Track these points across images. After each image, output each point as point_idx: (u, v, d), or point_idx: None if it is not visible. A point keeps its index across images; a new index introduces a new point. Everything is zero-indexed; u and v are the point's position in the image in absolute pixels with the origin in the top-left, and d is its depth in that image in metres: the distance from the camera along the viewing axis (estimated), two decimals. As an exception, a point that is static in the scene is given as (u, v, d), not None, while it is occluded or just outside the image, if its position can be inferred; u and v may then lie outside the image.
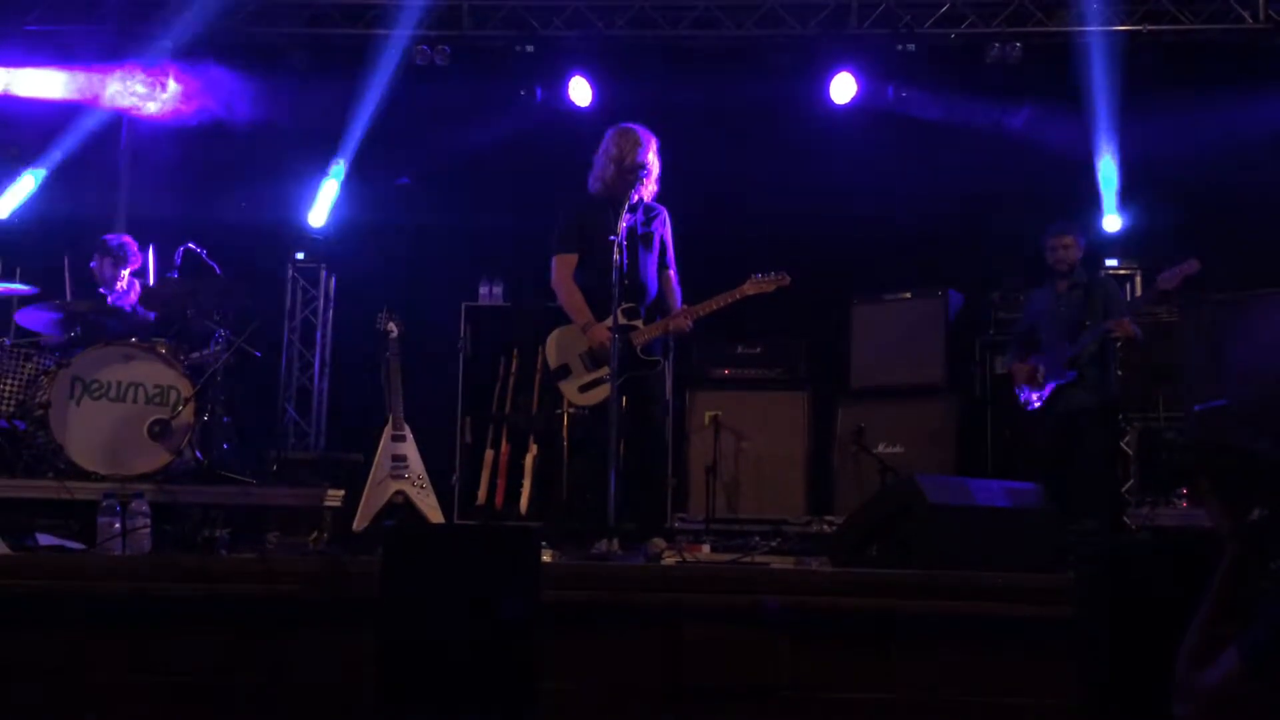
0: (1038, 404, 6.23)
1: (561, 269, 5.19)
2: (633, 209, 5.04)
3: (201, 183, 8.05)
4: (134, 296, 6.71)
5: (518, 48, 7.84)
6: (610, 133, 5.25)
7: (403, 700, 3.25)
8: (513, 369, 7.49)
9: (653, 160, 5.14)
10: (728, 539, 6.39)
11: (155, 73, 7.85)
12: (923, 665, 3.70)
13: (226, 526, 5.43)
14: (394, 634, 3.29)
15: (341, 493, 5.99)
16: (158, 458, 5.83)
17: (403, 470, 5.79)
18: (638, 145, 5.12)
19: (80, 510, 5.14)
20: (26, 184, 7.78)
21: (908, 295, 7.49)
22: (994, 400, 7.27)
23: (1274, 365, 6.01)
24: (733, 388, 7.43)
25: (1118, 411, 6.42)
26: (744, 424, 7.25)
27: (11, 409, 6.00)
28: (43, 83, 7.92)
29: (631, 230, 4.99)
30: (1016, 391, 6.42)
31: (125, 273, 6.65)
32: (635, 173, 5.05)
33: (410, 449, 5.87)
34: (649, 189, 5.18)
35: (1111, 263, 7.98)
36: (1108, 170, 7.79)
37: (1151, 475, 6.50)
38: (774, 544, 5.75)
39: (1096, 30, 7.61)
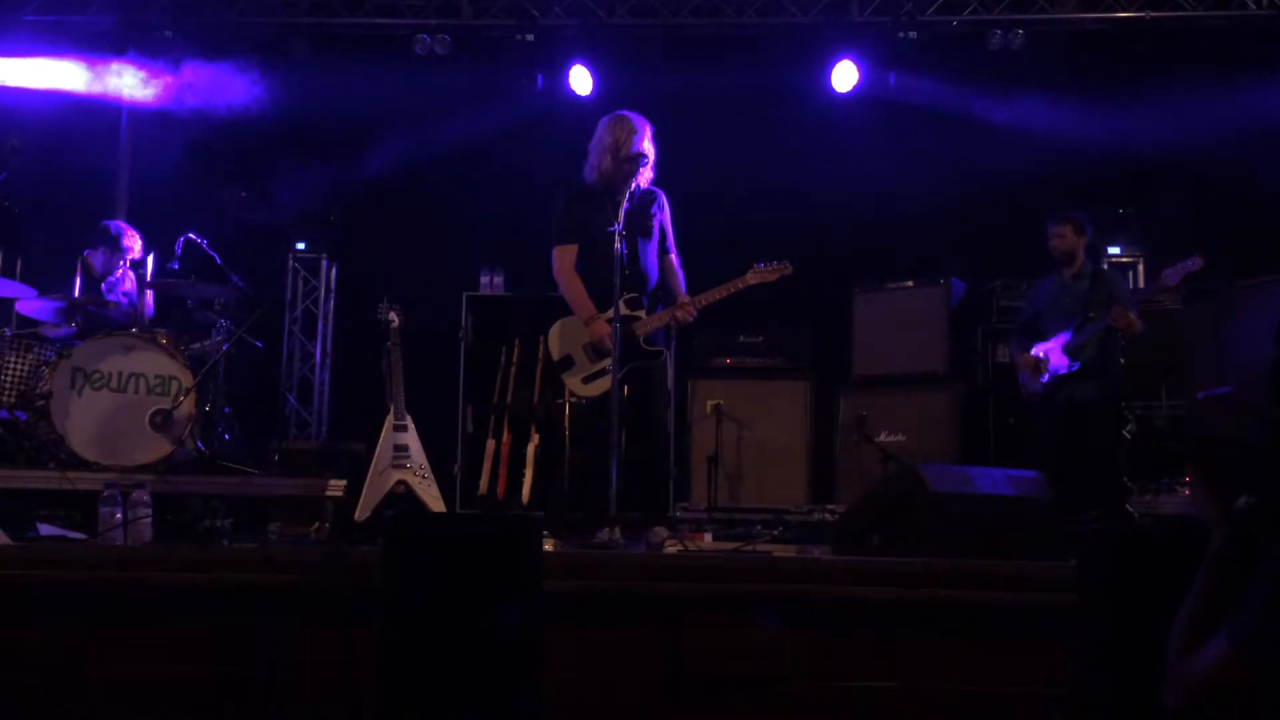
0: (1040, 391, 6.23)
1: (561, 261, 5.16)
2: (630, 197, 5.00)
3: (202, 173, 8.05)
4: (131, 286, 6.71)
5: (518, 36, 7.82)
6: (604, 121, 5.19)
7: (404, 690, 3.25)
8: (514, 359, 7.48)
9: (649, 147, 5.08)
10: (730, 528, 6.39)
11: (155, 63, 7.84)
12: (924, 654, 3.70)
13: (228, 517, 5.43)
14: (395, 624, 3.29)
15: (343, 483, 5.99)
16: (159, 448, 5.84)
17: (404, 460, 5.80)
18: (633, 133, 5.06)
19: (81, 500, 5.14)
20: None
21: (910, 283, 7.48)
22: (996, 388, 7.26)
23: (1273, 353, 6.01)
24: (735, 377, 7.42)
25: (1120, 401, 6.41)
26: (746, 413, 7.25)
27: (13, 400, 6.00)
28: (43, 74, 7.90)
29: (630, 219, 4.95)
30: (1019, 380, 6.42)
31: (123, 263, 6.64)
32: (634, 162, 4.99)
33: (412, 439, 5.87)
34: (646, 176, 5.14)
35: (1114, 251, 7.98)
36: (1110, 157, 7.78)
37: (1141, 462, 6.51)
38: (776, 533, 5.75)
39: (1099, 16, 7.60)
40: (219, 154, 8.17)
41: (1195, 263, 5.84)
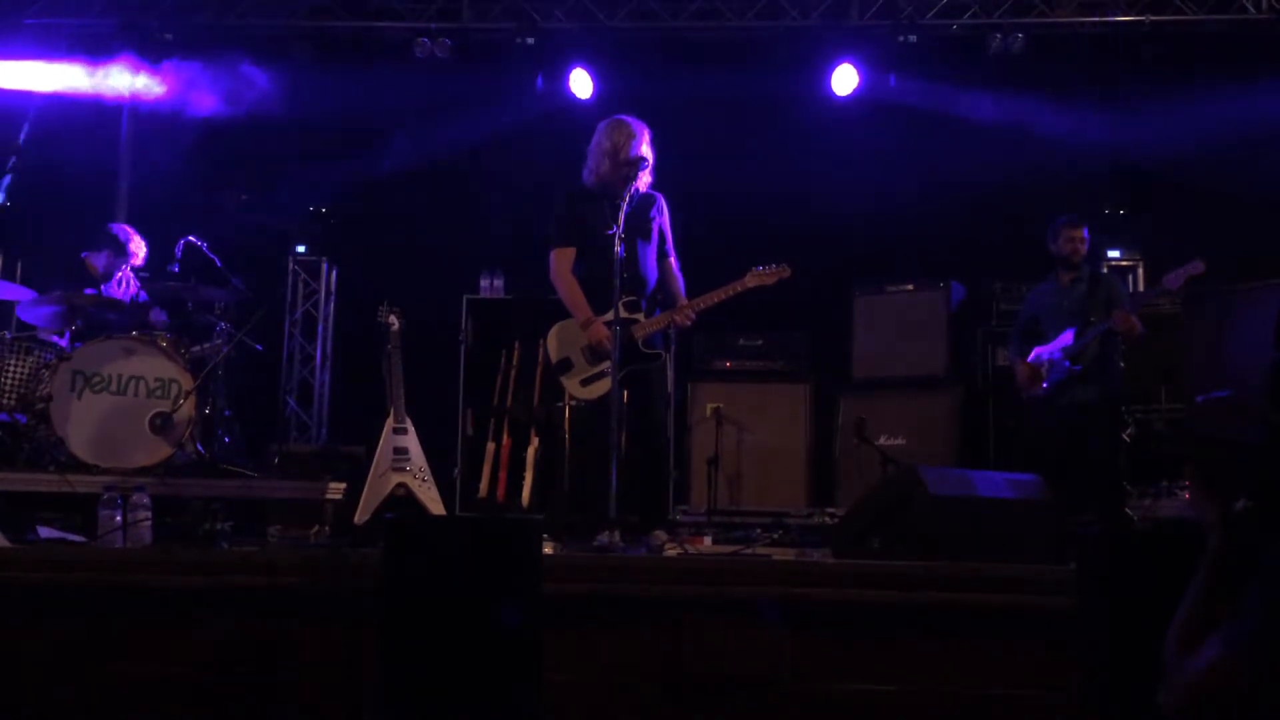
0: (1040, 394, 6.23)
1: (559, 264, 5.17)
2: (629, 200, 5.01)
3: (202, 175, 8.05)
4: (132, 289, 6.71)
5: (518, 40, 7.82)
6: (602, 125, 5.20)
7: (405, 692, 3.26)
8: (514, 361, 7.49)
9: (648, 151, 5.09)
10: (729, 531, 6.38)
11: (155, 65, 7.84)
12: (924, 657, 3.70)
13: (228, 519, 5.41)
14: (395, 627, 3.29)
15: (343, 485, 5.99)
16: (159, 451, 5.83)
17: (404, 463, 5.79)
18: (631, 137, 5.07)
19: (81, 503, 5.13)
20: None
21: (909, 286, 7.48)
22: (996, 391, 7.26)
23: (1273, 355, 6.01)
24: (734, 380, 7.42)
25: (1120, 404, 6.42)
26: (745, 416, 7.25)
27: (13, 402, 6.00)
28: (43, 76, 7.91)
29: (629, 222, 4.96)
30: (1019, 383, 6.42)
31: (125, 266, 6.65)
32: (633, 166, 5.00)
33: (412, 441, 5.86)
34: (645, 179, 5.15)
35: (1114, 254, 7.98)
36: (1109, 160, 7.79)
37: (1141, 465, 6.51)
38: (776, 536, 5.74)
39: (1099, 21, 7.61)
40: (219, 157, 8.18)
41: (1197, 266, 5.84)
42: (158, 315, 6.54)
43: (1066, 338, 6.16)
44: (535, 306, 6.80)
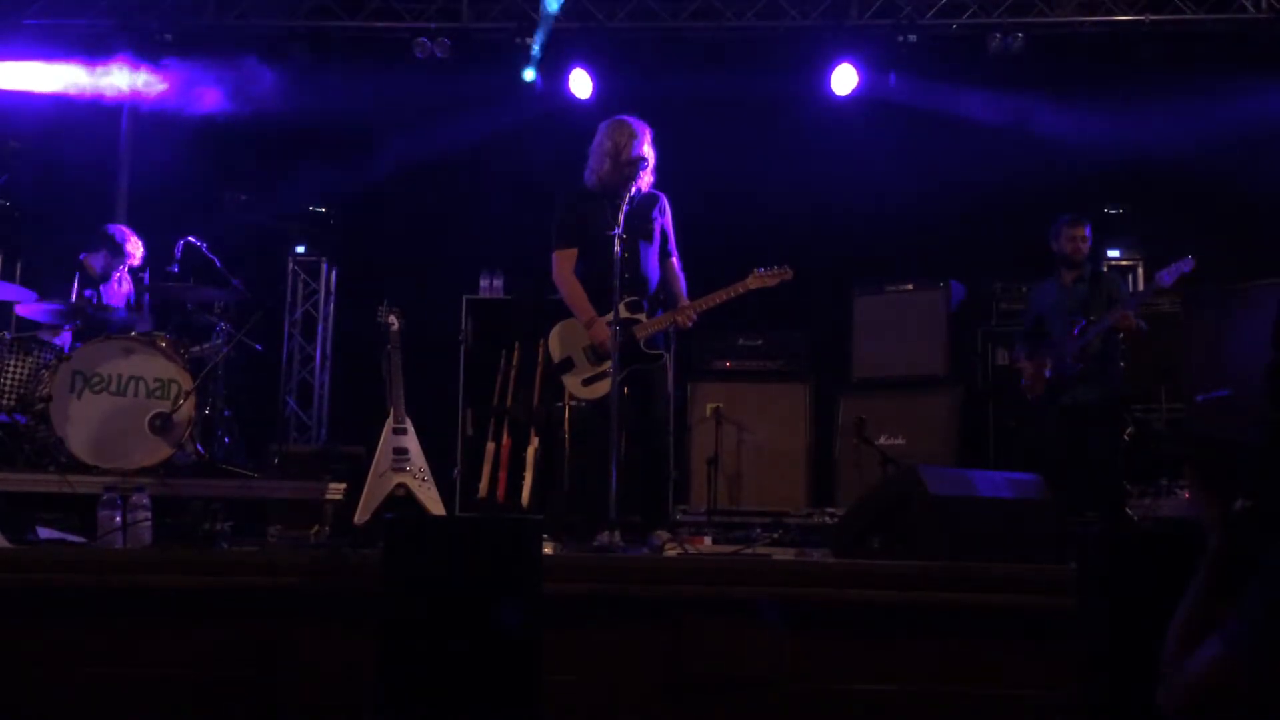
0: (1042, 393, 6.24)
1: (561, 264, 5.17)
2: (631, 200, 5.01)
3: (202, 175, 8.05)
4: (129, 290, 6.71)
5: (518, 40, 7.82)
6: (604, 125, 5.20)
7: (405, 692, 3.26)
8: (514, 361, 7.48)
9: (649, 151, 5.09)
10: (729, 531, 6.38)
11: (155, 65, 7.84)
12: (924, 657, 3.70)
13: (228, 520, 5.41)
14: (395, 627, 3.30)
15: (343, 486, 5.99)
16: (159, 451, 5.83)
17: (404, 463, 5.78)
18: (633, 137, 5.07)
19: (81, 504, 5.14)
20: None
21: (909, 286, 7.48)
22: (996, 391, 7.26)
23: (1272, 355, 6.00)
24: (734, 379, 7.42)
25: (1120, 404, 6.42)
26: (745, 416, 7.25)
27: (12, 403, 6.00)
28: (43, 76, 7.91)
29: (630, 222, 4.96)
30: (1022, 383, 6.41)
31: (122, 266, 6.65)
32: (633, 166, 5.01)
33: (411, 442, 5.86)
34: (647, 180, 5.15)
35: (1114, 254, 7.98)
36: (1109, 160, 7.79)
37: (1140, 465, 6.51)
38: (775, 536, 5.75)
39: (1099, 20, 7.61)
40: (219, 157, 8.18)
41: (1188, 263, 5.85)
42: (144, 316, 6.55)
43: (1070, 336, 6.16)
44: (535, 306, 6.80)
